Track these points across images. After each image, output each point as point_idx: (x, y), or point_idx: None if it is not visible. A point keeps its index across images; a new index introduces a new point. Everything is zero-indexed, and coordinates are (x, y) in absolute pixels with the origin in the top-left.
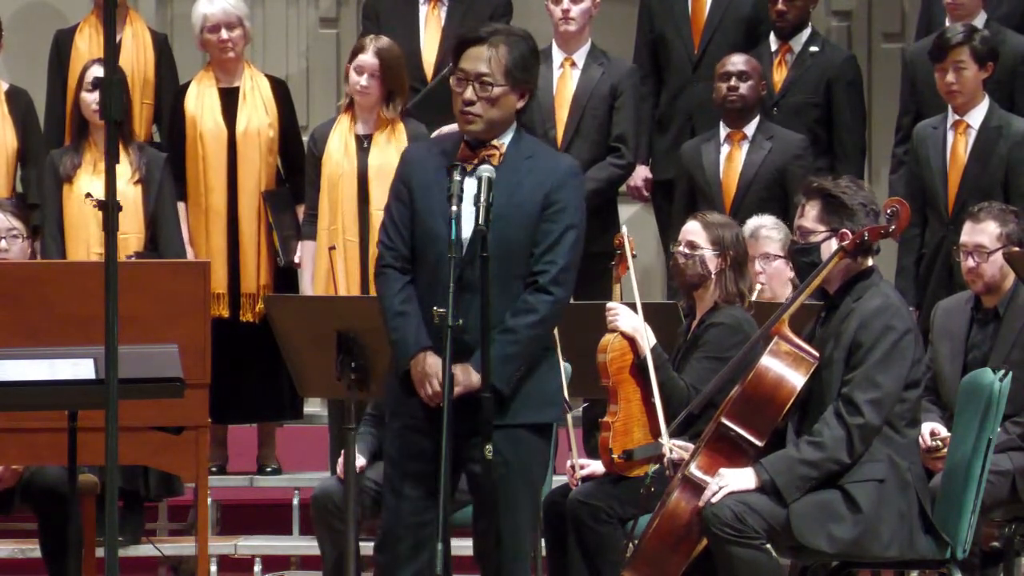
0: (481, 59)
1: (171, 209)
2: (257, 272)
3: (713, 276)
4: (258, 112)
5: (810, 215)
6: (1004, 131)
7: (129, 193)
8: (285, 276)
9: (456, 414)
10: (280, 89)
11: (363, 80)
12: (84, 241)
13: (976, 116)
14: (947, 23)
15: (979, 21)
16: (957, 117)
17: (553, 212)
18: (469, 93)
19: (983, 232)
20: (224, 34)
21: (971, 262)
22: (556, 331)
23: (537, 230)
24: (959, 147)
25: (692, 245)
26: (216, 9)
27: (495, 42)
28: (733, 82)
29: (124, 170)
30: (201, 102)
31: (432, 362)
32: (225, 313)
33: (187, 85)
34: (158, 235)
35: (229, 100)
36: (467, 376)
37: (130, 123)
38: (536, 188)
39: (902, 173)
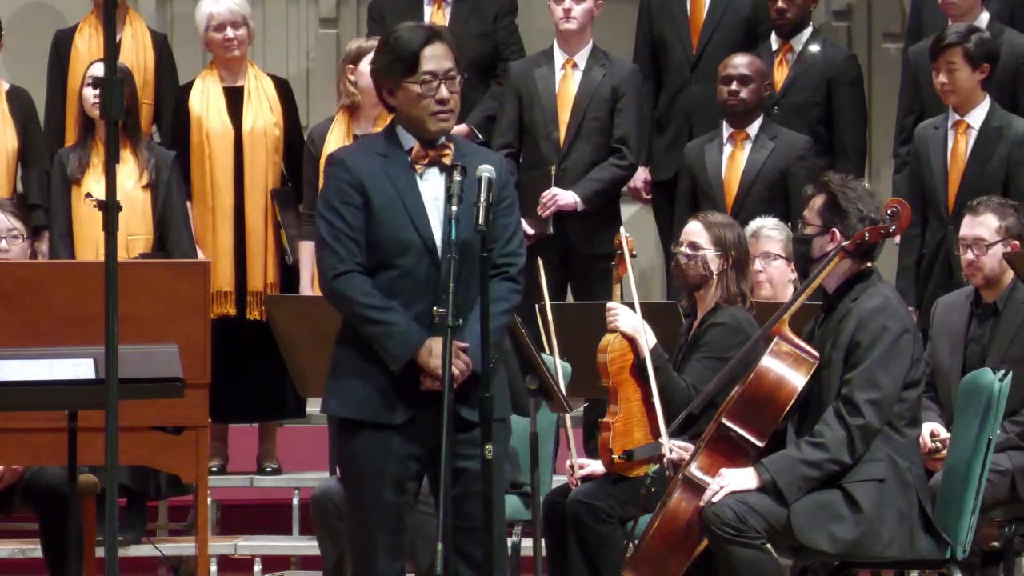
0: (443, 56)
1: (180, 210)
2: (264, 271)
3: (715, 276)
4: (264, 111)
5: (813, 208)
6: (1005, 131)
7: (138, 195)
8: (292, 275)
9: (439, 409)
10: (284, 88)
11: None
12: (93, 241)
13: (977, 116)
14: (949, 23)
15: (982, 20)
16: (958, 117)
17: (505, 207)
18: (444, 91)
19: (982, 225)
20: (229, 32)
21: (970, 255)
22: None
23: (493, 225)
24: (960, 147)
25: (694, 246)
26: (222, 8)
27: (444, 36)
28: (734, 86)
29: (133, 172)
30: (206, 101)
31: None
32: (232, 311)
33: (190, 84)
34: (167, 236)
35: (234, 99)
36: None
37: (139, 123)
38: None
39: (905, 173)
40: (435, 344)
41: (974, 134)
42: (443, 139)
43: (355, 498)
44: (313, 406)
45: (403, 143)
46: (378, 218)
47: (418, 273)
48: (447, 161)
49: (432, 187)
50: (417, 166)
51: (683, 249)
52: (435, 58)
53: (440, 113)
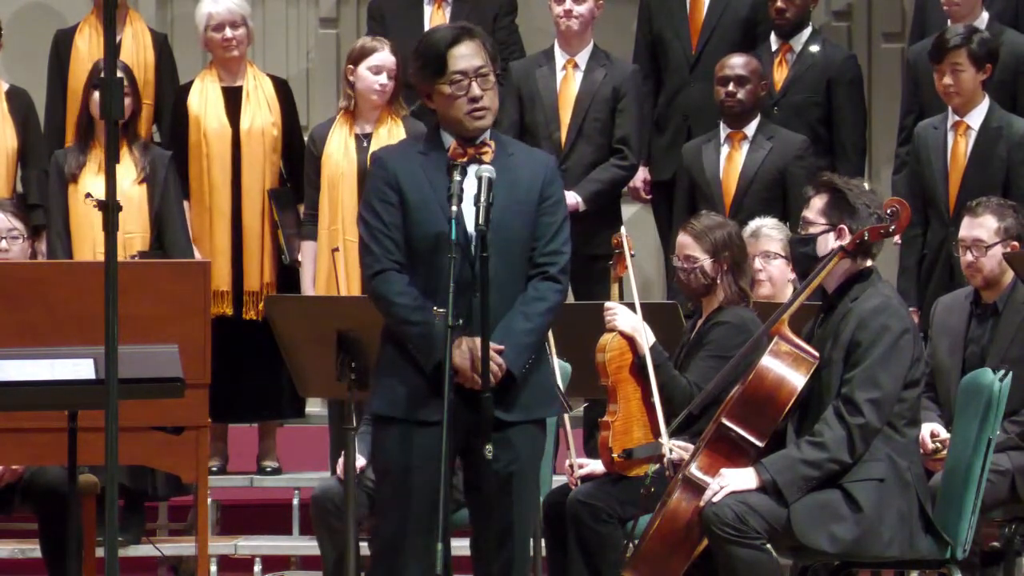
0: (474, 54)
1: (176, 208)
2: (260, 270)
3: (716, 282)
4: (262, 111)
5: (815, 207)
6: (1004, 132)
7: (134, 193)
8: (288, 274)
9: (469, 407)
10: (283, 88)
11: (382, 78)
12: (90, 241)
13: (976, 117)
14: (949, 23)
15: (982, 20)
16: (957, 118)
17: (550, 204)
18: (476, 89)
19: (981, 226)
20: (228, 32)
21: (970, 256)
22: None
23: (537, 223)
24: (959, 148)
25: (689, 259)
26: (221, 8)
27: (474, 34)
28: (731, 87)
29: (129, 170)
30: (205, 101)
31: (475, 345)
32: (228, 311)
33: (189, 84)
34: (163, 234)
35: (233, 99)
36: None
37: (137, 122)
38: (532, 182)
39: (905, 173)
40: (466, 342)
41: (974, 135)
42: (484, 137)
43: (382, 494)
44: (312, 406)
45: (444, 142)
46: (413, 215)
47: (446, 270)
48: (487, 159)
49: (469, 185)
50: (456, 163)
51: (680, 264)
52: (464, 57)
53: (474, 111)
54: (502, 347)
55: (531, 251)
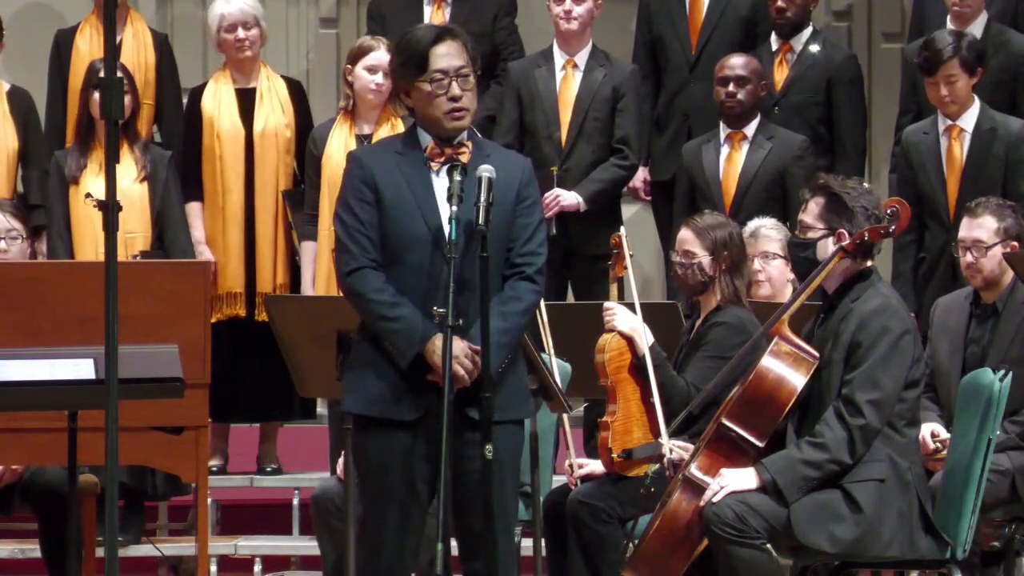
0: (455, 54)
1: (177, 207)
2: (273, 271)
3: (714, 280)
4: (275, 112)
5: (812, 211)
6: (999, 132)
7: (135, 192)
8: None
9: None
10: (296, 90)
11: (378, 78)
12: (92, 241)
13: (968, 120)
14: (948, 23)
15: (980, 21)
16: (949, 122)
17: (527, 206)
18: (456, 89)
19: (980, 227)
20: (241, 33)
21: (969, 257)
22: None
23: (513, 224)
24: (955, 151)
25: (688, 254)
26: (233, 8)
27: (456, 34)
28: (731, 88)
29: (129, 169)
30: (218, 102)
31: (455, 343)
32: (242, 312)
33: (203, 86)
34: (164, 234)
35: (246, 100)
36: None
37: (136, 122)
38: (509, 183)
39: (896, 178)
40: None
41: (968, 137)
42: (462, 137)
43: (364, 494)
44: (323, 407)
45: (420, 142)
46: (389, 213)
47: (430, 269)
48: (464, 160)
49: (446, 184)
50: (432, 163)
51: (679, 259)
52: (446, 56)
53: (454, 112)
54: (479, 347)
55: (507, 251)
